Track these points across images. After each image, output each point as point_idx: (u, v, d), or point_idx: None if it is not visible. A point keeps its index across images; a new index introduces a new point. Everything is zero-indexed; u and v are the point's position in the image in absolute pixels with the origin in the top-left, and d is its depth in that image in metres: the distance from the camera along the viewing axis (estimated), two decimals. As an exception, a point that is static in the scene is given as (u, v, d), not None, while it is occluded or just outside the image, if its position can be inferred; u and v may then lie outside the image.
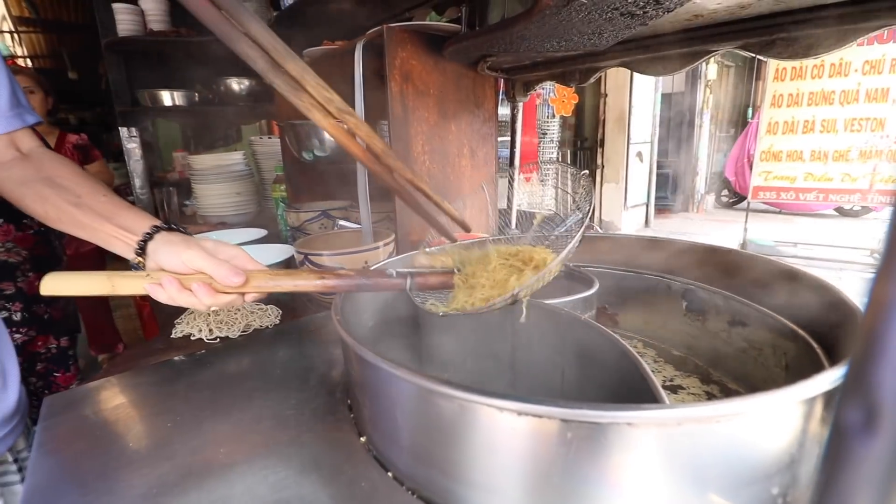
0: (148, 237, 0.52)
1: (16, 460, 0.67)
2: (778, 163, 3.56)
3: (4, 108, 0.61)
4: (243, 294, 0.51)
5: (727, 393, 0.62)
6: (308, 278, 0.50)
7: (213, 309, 0.66)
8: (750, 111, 6.07)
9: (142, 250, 0.52)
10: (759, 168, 3.67)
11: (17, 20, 4.99)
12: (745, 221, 3.75)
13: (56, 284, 0.48)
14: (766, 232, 4.20)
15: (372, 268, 0.68)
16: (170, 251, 0.51)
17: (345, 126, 0.49)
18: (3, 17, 5.55)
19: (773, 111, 3.56)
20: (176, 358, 0.73)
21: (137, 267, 0.53)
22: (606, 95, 4.81)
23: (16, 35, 5.81)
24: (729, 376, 0.65)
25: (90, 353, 2.30)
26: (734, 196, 5.92)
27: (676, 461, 0.33)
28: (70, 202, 0.55)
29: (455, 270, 0.54)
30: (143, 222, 0.53)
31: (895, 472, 0.09)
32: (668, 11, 0.56)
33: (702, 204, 6.10)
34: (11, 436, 0.65)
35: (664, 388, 0.64)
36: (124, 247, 0.53)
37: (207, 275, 0.49)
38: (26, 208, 0.58)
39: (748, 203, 3.83)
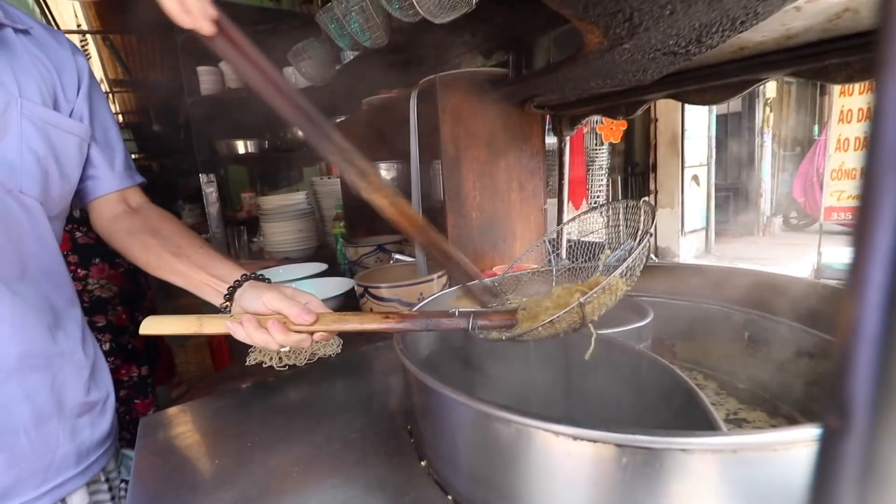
0: (238, 284, 0.59)
1: (107, 479, 0.72)
2: (851, 181, 3.32)
3: (120, 168, 0.71)
4: (312, 333, 0.56)
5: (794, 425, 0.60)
6: (374, 320, 0.54)
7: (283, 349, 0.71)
8: (816, 128, 5.72)
9: (230, 296, 0.59)
10: (831, 187, 3.44)
11: (113, 82, 5.70)
12: (819, 245, 3.49)
13: (153, 326, 0.57)
14: (842, 255, 3.87)
15: (428, 302, 0.72)
16: (253, 294, 0.57)
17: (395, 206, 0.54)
18: (101, 80, 6.37)
19: (841, 127, 3.35)
20: (250, 384, 0.80)
21: (224, 311, 0.60)
22: (657, 120, 4.73)
23: (111, 95, 6.64)
24: (798, 409, 0.62)
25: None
26: (804, 218, 5.53)
27: (732, 490, 0.34)
28: (171, 252, 0.63)
29: (518, 310, 0.56)
30: (234, 272, 0.61)
31: (869, 468, 0.11)
32: (710, 48, 0.58)
33: (768, 227, 5.74)
34: (105, 456, 0.70)
35: (728, 421, 0.62)
36: (214, 294, 0.61)
37: (283, 315, 0.55)
38: (132, 257, 0.67)
39: (820, 225, 3.57)
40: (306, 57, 1.33)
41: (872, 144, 0.12)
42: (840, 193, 3.35)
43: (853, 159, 3.28)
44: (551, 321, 0.49)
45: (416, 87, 1.03)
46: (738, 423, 0.62)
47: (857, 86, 3.21)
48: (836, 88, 3.34)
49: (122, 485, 0.73)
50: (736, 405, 0.66)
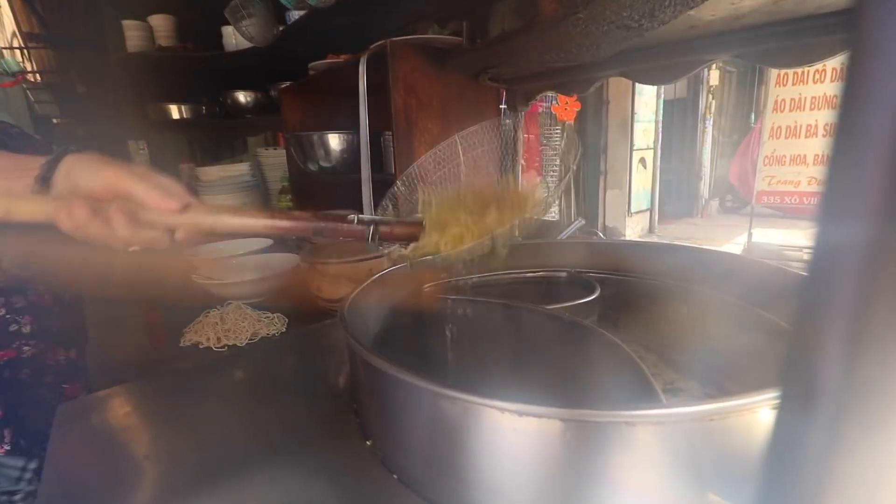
0: (57, 157, 0.43)
1: None
2: (781, 167, 3.57)
3: None
4: (173, 231, 0.44)
5: (727, 395, 0.63)
6: (256, 217, 0.45)
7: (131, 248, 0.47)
8: (752, 116, 6.08)
9: (48, 171, 0.43)
10: (763, 173, 3.68)
11: (27, 36, 5.10)
12: (750, 226, 3.74)
13: None
14: (771, 236, 4.19)
15: (379, 277, 0.69)
16: (87, 170, 0.42)
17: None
18: (14, 34, 5.68)
19: (775, 116, 3.57)
20: (184, 367, 0.74)
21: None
22: (609, 102, 4.84)
23: (25, 51, 5.94)
24: (731, 379, 0.66)
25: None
26: (738, 201, 5.91)
27: (675, 460, 0.34)
28: None
29: (423, 221, 0.49)
30: (41, 158, 0.44)
31: (833, 451, 0.10)
32: (662, 24, 0.57)
33: (706, 209, 6.09)
34: None
35: (665, 391, 0.64)
36: (21, 186, 0.43)
37: (133, 201, 0.42)
38: None
39: (752, 208, 3.83)
40: (246, 14, 1.22)
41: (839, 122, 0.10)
42: (771, 178, 3.60)
43: (785, 147, 3.52)
44: (460, 248, 0.45)
45: (365, 52, 0.98)
46: (674, 393, 0.65)
47: (791, 76, 3.41)
48: (773, 79, 3.54)
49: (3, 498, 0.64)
50: (673, 375, 0.69)
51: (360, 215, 0.47)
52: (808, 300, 0.10)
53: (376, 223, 0.47)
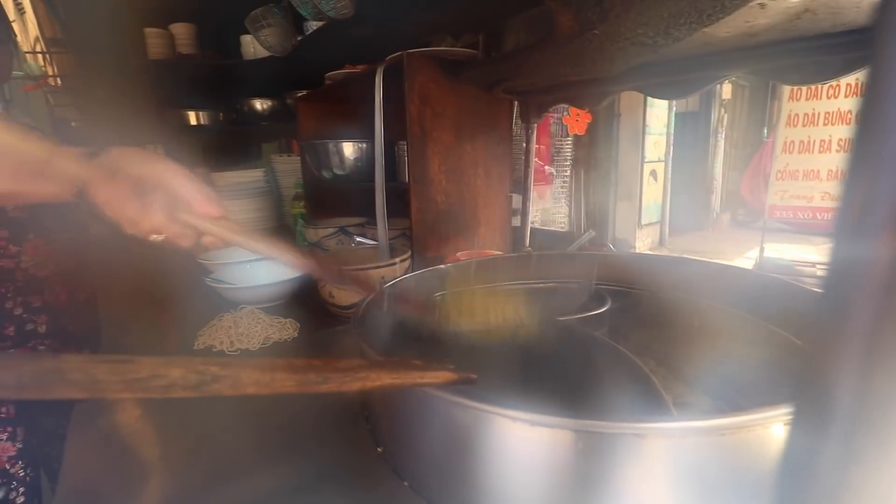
0: (103, 146, 0.44)
1: None
2: (794, 182, 3.54)
3: None
4: (200, 234, 0.45)
5: (737, 410, 0.63)
6: (286, 251, 0.47)
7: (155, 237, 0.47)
8: (765, 130, 6.04)
9: (95, 153, 0.44)
10: (776, 187, 3.65)
11: (50, 41, 5.23)
12: (762, 241, 3.70)
13: None
14: (783, 251, 4.14)
15: (390, 286, 0.70)
16: (142, 159, 0.44)
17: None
18: (37, 38, 5.83)
19: (788, 130, 3.55)
20: (199, 368, 0.75)
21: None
22: (620, 115, 4.84)
23: (48, 55, 6.10)
24: (742, 395, 0.65)
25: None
26: (750, 215, 5.85)
27: (684, 472, 0.35)
28: None
29: (435, 303, 0.54)
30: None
31: (847, 467, 0.10)
32: (677, 41, 0.58)
33: (717, 223, 6.04)
34: None
35: (675, 405, 0.64)
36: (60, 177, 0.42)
37: (176, 196, 0.43)
38: None
39: (764, 222, 3.79)
40: (265, 24, 1.25)
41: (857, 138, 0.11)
42: (783, 193, 3.56)
43: (798, 161, 3.49)
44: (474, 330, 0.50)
45: (382, 63, 1.00)
46: (684, 407, 0.64)
47: (804, 91, 3.40)
48: (786, 94, 3.52)
49: None
50: (683, 389, 0.69)
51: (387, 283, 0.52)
52: (824, 317, 0.10)
53: (393, 292, 0.53)
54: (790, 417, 0.12)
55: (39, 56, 6.35)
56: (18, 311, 1.11)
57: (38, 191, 0.44)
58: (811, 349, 0.11)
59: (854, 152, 0.11)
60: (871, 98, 0.10)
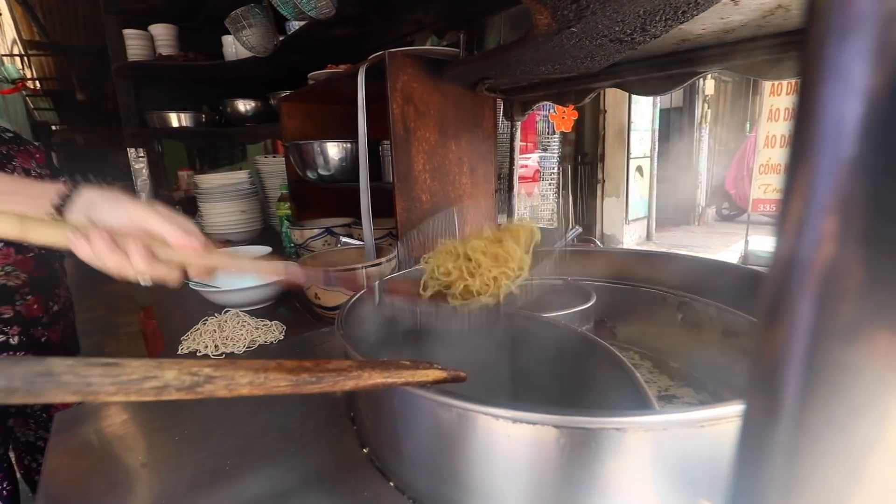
0: (69, 193, 0.46)
1: None
2: (776, 175, 3.59)
3: None
4: (185, 270, 0.46)
5: (720, 402, 0.64)
6: (269, 267, 0.48)
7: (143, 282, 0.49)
8: (748, 125, 6.13)
9: (62, 204, 0.45)
10: (758, 181, 3.70)
11: (28, 43, 5.12)
12: (746, 234, 3.76)
13: None
14: (767, 244, 4.21)
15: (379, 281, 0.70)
16: (113, 206, 0.45)
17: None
18: (14, 41, 5.71)
19: (770, 125, 3.60)
20: (183, 373, 0.75)
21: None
22: (605, 111, 4.88)
23: (25, 58, 5.97)
24: (724, 387, 0.66)
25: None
26: (735, 209, 5.94)
27: (666, 466, 0.35)
28: None
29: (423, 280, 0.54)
30: (59, 187, 0.47)
31: (796, 455, 0.10)
32: (654, 38, 0.59)
33: (703, 217, 6.12)
34: None
35: (660, 398, 0.65)
36: (37, 211, 0.45)
37: (156, 237, 0.45)
38: None
39: (748, 215, 3.85)
40: (246, 25, 1.24)
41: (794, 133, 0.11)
42: (766, 187, 3.62)
43: (779, 155, 3.55)
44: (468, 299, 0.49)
45: (364, 62, 0.99)
46: (668, 400, 0.65)
47: (784, 86, 3.45)
48: (767, 89, 3.58)
49: None
50: (667, 382, 0.69)
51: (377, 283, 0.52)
52: (769, 306, 0.10)
53: (384, 280, 0.51)
54: (742, 407, 0.12)
55: (17, 59, 6.21)
56: None
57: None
58: (757, 336, 0.11)
59: (790, 151, 0.11)
60: (802, 101, 0.10)
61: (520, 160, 1.24)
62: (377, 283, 0.51)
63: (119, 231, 0.44)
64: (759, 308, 0.10)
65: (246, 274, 0.47)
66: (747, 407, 0.11)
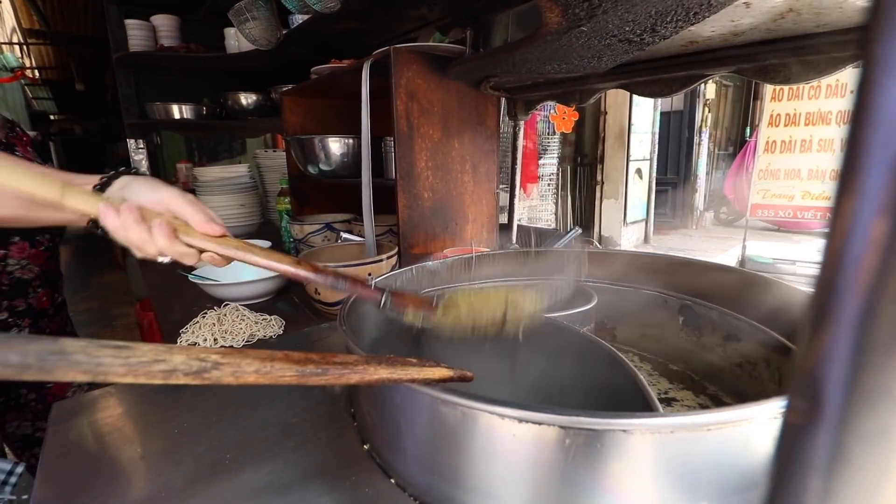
0: (112, 177, 0.51)
1: None
2: (776, 181, 3.61)
3: None
4: (201, 252, 0.49)
5: (720, 405, 0.64)
6: (282, 261, 0.49)
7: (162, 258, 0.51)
8: (748, 130, 6.15)
9: (105, 184, 0.51)
10: (757, 186, 3.71)
11: (28, 32, 5.08)
12: (744, 239, 3.77)
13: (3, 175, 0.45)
14: (765, 249, 4.23)
15: (375, 280, 0.70)
16: (145, 186, 0.49)
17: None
18: (14, 29, 5.66)
19: (770, 130, 3.61)
20: (181, 366, 0.74)
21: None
22: (606, 113, 4.88)
23: (25, 46, 5.92)
24: (724, 390, 0.66)
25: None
26: (733, 213, 5.96)
27: (670, 468, 0.35)
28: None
29: (436, 300, 0.54)
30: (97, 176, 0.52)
31: (838, 460, 0.10)
32: (664, 38, 0.59)
33: (701, 221, 6.14)
34: None
35: (659, 401, 0.65)
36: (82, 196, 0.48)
37: (179, 219, 0.48)
38: None
39: (746, 220, 3.86)
40: (250, 17, 1.23)
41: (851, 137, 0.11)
42: (765, 192, 3.63)
43: (780, 161, 3.56)
44: (472, 326, 0.51)
45: (369, 57, 0.99)
46: (667, 402, 0.65)
47: (786, 91, 3.46)
48: (768, 94, 3.58)
49: None
50: (667, 385, 0.69)
51: (377, 280, 0.53)
52: (815, 310, 0.10)
53: (391, 291, 0.51)
54: (782, 411, 0.12)
55: (16, 47, 6.16)
56: (4, 316, 1.08)
57: (51, 219, 0.54)
58: (802, 341, 0.11)
59: (846, 149, 0.11)
60: (861, 95, 0.10)
61: (534, 163, 1.24)
62: (385, 293, 0.50)
63: (148, 208, 0.48)
64: (805, 310, 0.10)
65: (258, 265, 0.48)
66: (789, 410, 0.11)
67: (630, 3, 0.49)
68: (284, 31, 1.36)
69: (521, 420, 0.35)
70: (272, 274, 1.07)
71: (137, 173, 0.53)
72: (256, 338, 0.88)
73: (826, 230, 0.10)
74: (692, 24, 0.54)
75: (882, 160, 0.09)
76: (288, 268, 0.49)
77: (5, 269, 1.13)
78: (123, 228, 0.46)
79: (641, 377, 0.46)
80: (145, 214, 0.47)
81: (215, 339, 0.85)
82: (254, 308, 0.98)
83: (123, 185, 0.51)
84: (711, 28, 0.63)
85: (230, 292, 1.03)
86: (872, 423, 0.10)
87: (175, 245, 0.47)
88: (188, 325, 0.91)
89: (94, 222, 0.50)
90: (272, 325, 0.92)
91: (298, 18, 1.31)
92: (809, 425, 0.10)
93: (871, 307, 0.09)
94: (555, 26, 0.56)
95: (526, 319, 0.51)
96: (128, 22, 1.94)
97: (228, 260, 0.51)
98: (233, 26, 1.41)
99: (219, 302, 1.00)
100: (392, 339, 0.71)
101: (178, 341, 0.88)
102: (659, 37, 0.58)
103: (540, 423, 0.35)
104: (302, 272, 0.49)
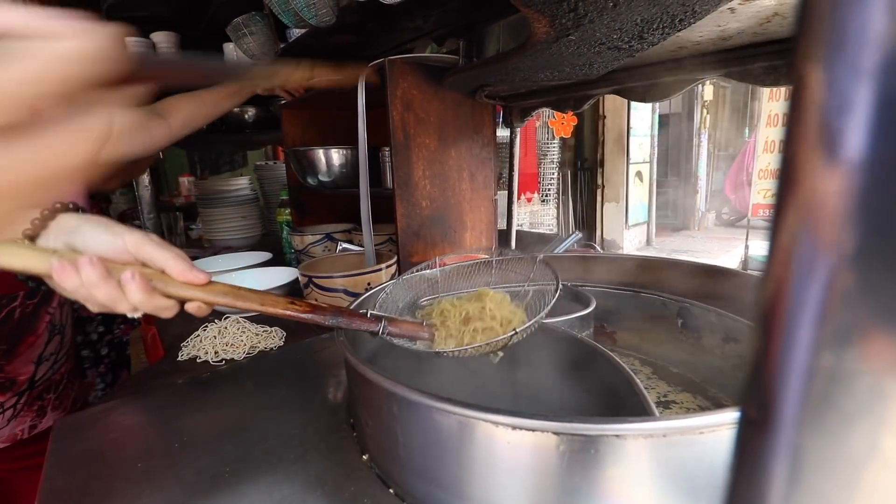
0: (46, 218, 0.40)
1: None
2: (776, 180, 3.60)
3: None
4: (183, 303, 0.42)
5: (720, 408, 0.63)
6: (277, 304, 0.46)
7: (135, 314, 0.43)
8: (747, 130, 6.15)
9: (34, 234, 0.39)
10: (758, 186, 3.71)
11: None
12: (746, 239, 3.77)
13: None
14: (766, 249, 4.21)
15: (375, 292, 0.70)
16: (100, 231, 0.40)
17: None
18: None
19: (769, 130, 3.62)
20: (182, 381, 0.75)
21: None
22: (605, 117, 4.90)
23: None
24: (724, 392, 0.66)
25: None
26: (735, 213, 5.95)
27: (666, 472, 0.35)
28: None
29: (431, 324, 0.54)
30: (31, 213, 0.40)
31: (791, 466, 0.10)
32: (651, 45, 0.59)
33: (703, 222, 6.13)
34: None
35: (658, 404, 0.65)
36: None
37: (152, 268, 0.40)
38: None
39: (748, 220, 3.85)
40: (248, 32, 1.25)
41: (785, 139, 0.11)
42: (766, 192, 3.63)
43: (778, 160, 3.56)
44: (468, 347, 0.51)
45: (364, 69, 1.00)
46: (666, 406, 0.65)
47: (783, 91, 3.47)
48: (766, 94, 3.59)
49: None
50: (665, 388, 0.69)
51: (373, 311, 0.51)
52: (763, 312, 0.11)
53: (388, 319, 0.51)
54: (738, 416, 0.12)
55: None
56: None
57: None
58: (752, 347, 0.11)
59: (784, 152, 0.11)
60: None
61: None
62: (382, 323, 0.50)
63: (111, 259, 0.40)
64: (754, 314, 0.11)
65: (252, 310, 0.45)
66: (742, 415, 0.11)
67: (616, 13, 0.49)
68: (282, 45, 1.38)
69: (514, 427, 0.35)
70: (274, 285, 1.08)
71: (77, 210, 0.42)
72: (258, 350, 0.88)
73: (771, 233, 0.10)
74: (679, 31, 0.55)
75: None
76: (284, 311, 0.46)
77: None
78: (86, 288, 0.38)
79: (638, 381, 0.47)
80: (110, 267, 0.39)
81: (216, 352, 0.86)
82: (254, 320, 0.98)
83: (68, 230, 0.40)
84: (699, 33, 0.64)
85: (231, 305, 1.04)
86: (821, 431, 0.10)
87: (153, 299, 0.40)
88: (189, 339, 0.91)
89: (31, 278, 0.40)
90: (273, 337, 0.92)
91: (295, 32, 1.33)
92: (759, 430, 0.10)
93: (818, 308, 0.10)
94: (543, 36, 0.57)
95: (513, 337, 0.51)
96: (127, 39, 1.97)
97: (211, 308, 0.44)
98: (231, 41, 1.43)
99: (220, 315, 1.00)
100: (391, 349, 0.71)
101: (180, 355, 0.88)
102: (647, 43, 0.59)
103: (533, 430, 0.35)
104: (295, 313, 0.46)
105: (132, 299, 0.39)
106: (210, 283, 0.43)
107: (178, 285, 0.41)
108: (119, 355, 1.52)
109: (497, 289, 0.61)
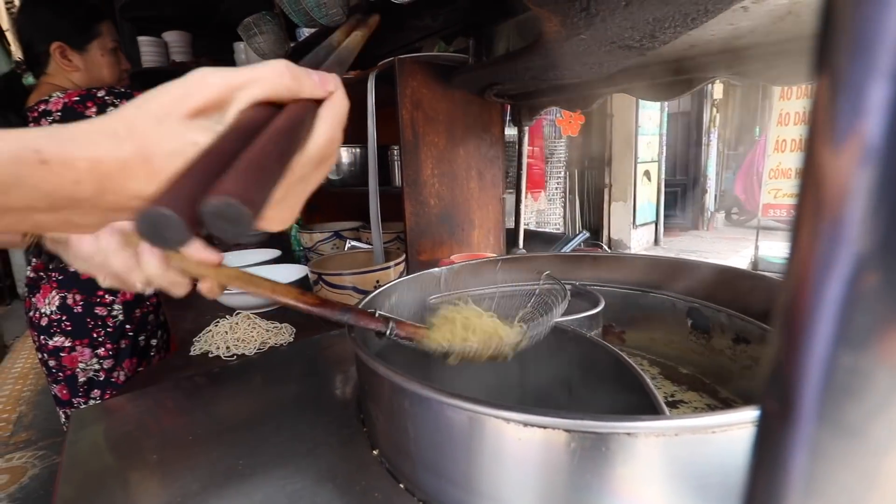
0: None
1: None
2: (787, 180, 3.57)
3: None
4: (196, 280, 0.43)
5: (730, 409, 0.63)
6: (287, 294, 0.47)
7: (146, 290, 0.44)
8: (757, 129, 6.09)
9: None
10: (769, 186, 3.67)
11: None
12: (756, 239, 3.73)
13: None
14: (778, 249, 4.17)
15: (384, 290, 0.71)
16: None
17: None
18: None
19: (780, 129, 3.58)
20: (194, 375, 0.76)
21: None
22: (613, 116, 4.87)
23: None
24: (735, 393, 0.66)
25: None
26: (745, 213, 5.89)
27: (676, 471, 0.35)
28: None
29: (429, 327, 0.55)
30: None
31: (811, 457, 0.11)
32: (663, 44, 0.59)
33: (712, 222, 6.08)
34: None
35: (666, 403, 0.65)
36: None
37: None
38: None
39: (758, 220, 3.82)
40: (258, 32, 1.26)
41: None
42: (777, 192, 3.59)
43: (790, 160, 3.52)
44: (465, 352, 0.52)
45: (374, 68, 1.00)
46: (673, 405, 0.65)
47: (794, 90, 3.43)
48: (777, 92, 3.55)
49: None
50: (672, 388, 0.69)
51: (381, 312, 0.51)
52: (784, 310, 0.11)
53: (395, 321, 0.51)
54: (758, 410, 0.12)
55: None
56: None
57: None
58: (772, 341, 0.11)
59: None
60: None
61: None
62: (390, 324, 0.50)
63: (128, 231, 0.40)
64: (775, 312, 0.11)
65: (262, 296, 0.46)
66: (763, 408, 0.11)
67: (628, 11, 0.49)
68: (292, 45, 1.39)
69: (525, 424, 0.36)
70: (286, 281, 1.09)
71: None
72: (268, 345, 0.89)
73: (791, 231, 0.11)
74: (691, 29, 0.54)
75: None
76: (294, 301, 0.46)
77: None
78: (102, 253, 0.38)
79: (648, 380, 0.47)
80: (128, 237, 0.39)
81: (228, 347, 0.87)
82: (265, 316, 0.99)
83: None
84: (711, 32, 0.64)
85: (242, 301, 1.05)
86: (841, 423, 0.10)
87: (166, 273, 0.40)
88: (201, 334, 0.93)
89: (39, 246, 0.41)
90: (283, 333, 0.93)
91: (305, 32, 1.34)
92: (779, 425, 0.11)
93: (840, 307, 0.10)
94: (554, 35, 0.57)
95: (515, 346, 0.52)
96: (140, 39, 1.99)
97: (223, 290, 0.45)
98: (242, 41, 1.44)
99: (230, 310, 1.01)
100: (400, 346, 0.72)
101: (192, 350, 0.89)
102: (659, 42, 0.59)
103: (545, 427, 0.35)
104: (304, 304, 0.46)
105: (147, 270, 0.39)
106: (222, 265, 0.43)
107: (192, 263, 0.41)
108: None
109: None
